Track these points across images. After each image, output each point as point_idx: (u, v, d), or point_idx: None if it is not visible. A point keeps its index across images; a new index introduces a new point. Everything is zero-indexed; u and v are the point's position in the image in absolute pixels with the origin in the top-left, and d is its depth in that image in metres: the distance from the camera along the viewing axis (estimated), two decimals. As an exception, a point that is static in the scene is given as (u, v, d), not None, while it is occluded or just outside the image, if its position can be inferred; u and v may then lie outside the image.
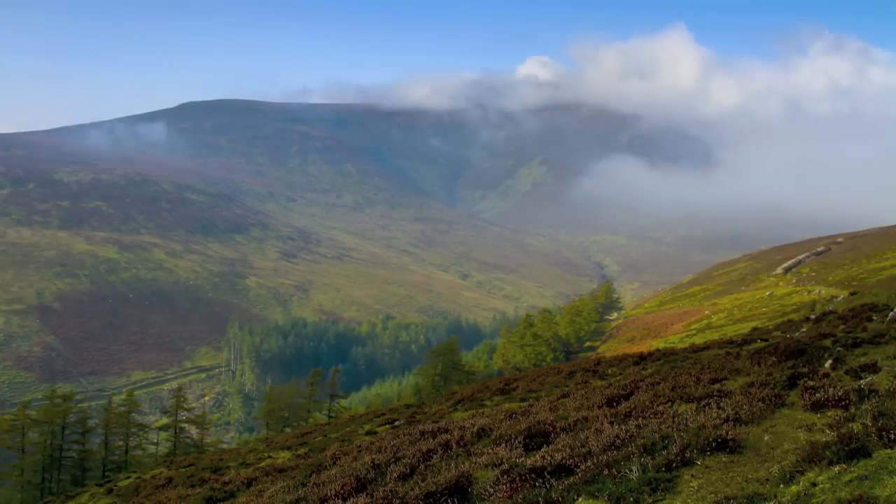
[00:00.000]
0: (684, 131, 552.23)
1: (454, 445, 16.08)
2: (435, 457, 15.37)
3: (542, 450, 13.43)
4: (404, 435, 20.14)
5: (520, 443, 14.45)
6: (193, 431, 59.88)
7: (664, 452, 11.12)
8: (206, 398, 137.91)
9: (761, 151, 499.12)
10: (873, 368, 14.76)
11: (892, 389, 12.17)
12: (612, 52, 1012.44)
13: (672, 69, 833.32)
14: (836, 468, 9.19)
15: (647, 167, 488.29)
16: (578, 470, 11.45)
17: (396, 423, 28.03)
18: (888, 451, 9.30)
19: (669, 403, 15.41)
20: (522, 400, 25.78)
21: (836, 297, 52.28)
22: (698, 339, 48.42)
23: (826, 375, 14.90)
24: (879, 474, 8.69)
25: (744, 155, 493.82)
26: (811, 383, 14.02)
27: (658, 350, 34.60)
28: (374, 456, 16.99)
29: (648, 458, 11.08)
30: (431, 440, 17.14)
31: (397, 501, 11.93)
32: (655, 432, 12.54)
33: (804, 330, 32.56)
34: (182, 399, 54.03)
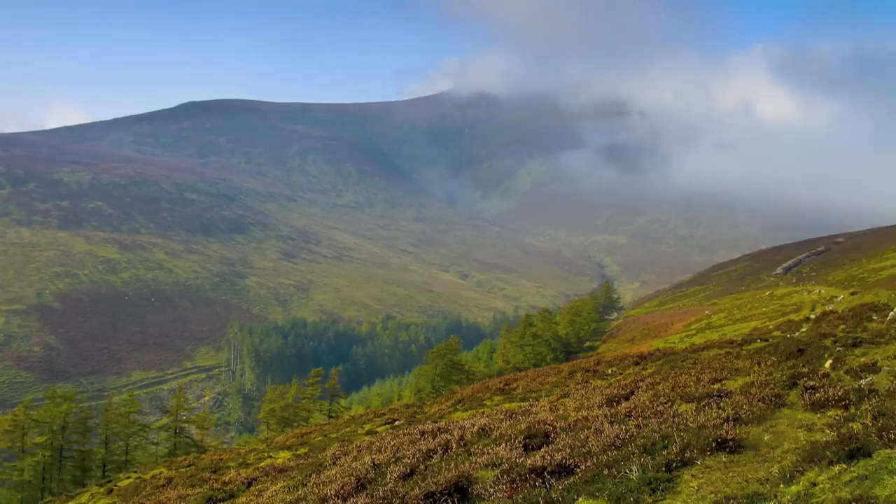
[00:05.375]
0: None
1: (454, 445, 16.07)
2: (435, 457, 15.36)
3: (542, 450, 13.42)
4: (404, 435, 20.13)
5: (520, 443, 14.44)
6: (193, 431, 59.87)
7: (664, 452, 11.11)
8: (206, 398, 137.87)
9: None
10: (873, 368, 14.74)
11: (892, 389, 12.17)
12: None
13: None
14: (836, 468, 9.19)
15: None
16: (578, 470, 11.45)
17: (396, 423, 28.02)
18: (888, 450, 9.30)
19: (669, 403, 15.40)
20: (522, 400, 25.77)
21: (836, 297, 52.24)
22: (698, 339, 48.37)
23: (826, 375, 14.89)
24: (879, 474, 8.69)
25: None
26: (811, 383, 14.01)
27: (658, 350, 34.61)
28: (374, 456, 16.99)
29: (648, 458, 11.08)
30: (431, 440, 17.14)
31: (397, 501, 11.93)
32: (655, 432, 12.54)
33: (804, 330, 32.59)
34: (182, 399, 53.94)
